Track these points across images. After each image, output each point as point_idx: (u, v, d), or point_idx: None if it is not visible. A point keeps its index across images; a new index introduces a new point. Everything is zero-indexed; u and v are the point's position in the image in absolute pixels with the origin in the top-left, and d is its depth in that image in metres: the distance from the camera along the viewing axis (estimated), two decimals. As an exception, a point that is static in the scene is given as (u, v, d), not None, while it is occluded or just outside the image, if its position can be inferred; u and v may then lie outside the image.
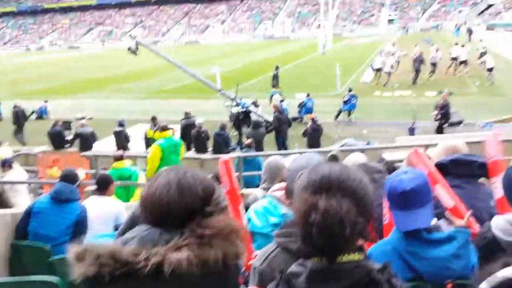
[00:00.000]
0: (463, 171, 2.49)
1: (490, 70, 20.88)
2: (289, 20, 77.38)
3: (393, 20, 68.94)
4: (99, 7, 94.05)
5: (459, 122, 14.56)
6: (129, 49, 15.92)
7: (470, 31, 46.16)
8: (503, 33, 50.92)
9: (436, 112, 13.80)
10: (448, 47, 34.28)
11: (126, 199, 7.14)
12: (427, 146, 7.64)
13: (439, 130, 13.49)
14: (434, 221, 1.96)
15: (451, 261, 1.80)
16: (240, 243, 1.26)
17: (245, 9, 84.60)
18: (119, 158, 7.49)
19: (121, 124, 12.96)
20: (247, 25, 79.30)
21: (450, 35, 48.45)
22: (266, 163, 3.45)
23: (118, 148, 12.37)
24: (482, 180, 2.76)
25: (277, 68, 20.67)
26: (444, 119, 13.69)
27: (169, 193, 1.27)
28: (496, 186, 2.27)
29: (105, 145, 13.98)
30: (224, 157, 2.27)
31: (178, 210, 1.25)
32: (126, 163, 7.60)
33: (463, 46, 23.92)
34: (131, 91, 26.35)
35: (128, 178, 7.35)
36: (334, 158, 1.45)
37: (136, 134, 15.47)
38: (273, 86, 19.69)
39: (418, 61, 21.96)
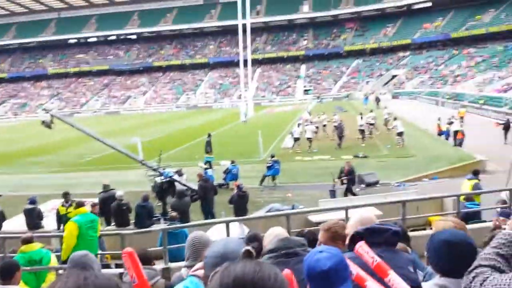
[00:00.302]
0: (379, 239, 2.55)
1: (400, 134, 22.57)
2: (211, 91, 79.54)
3: (308, 90, 73.53)
4: (13, 79, 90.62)
5: (376, 182, 15.39)
6: (43, 122, 15.17)
7: (378, 100, 50.73)
8: (406, 100, 56.25)
9: (342, 177, 14.85)
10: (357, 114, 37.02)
11: (37, 286, 6.45)
12: (347, 208, 7.95)
13: (348, 192, 14.58)
14: None
15: None
16: None
17: (167, 80, 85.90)
18: (28, 241, 6.80)
19: (32, 201, 11.98)
20: (169, 96, 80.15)
21: (359, 103, 52.59)
22: (189, 239, 3.34)
23: (30, 228, 11.39)
24: (400, 246, 2.87)
25: (209, 135, 20.79)
26: (351, 182, 14.80)
27: None
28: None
29: (15, 224, 12.83)
30: (127, 249, 2.13)
31: None
32: (36, 245, 6.93)
33: (371, 111, 25.86)
34: (44, 165, 24.89)
35: (39, 262, 6.65)
36: (248, 255, 1.40)
37: (50, 211, 14.47)
38: (206, 152, 19.67)
39: (340, 128, 23.39)
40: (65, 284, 1.18)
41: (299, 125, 24.20)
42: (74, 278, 1.20)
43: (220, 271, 1.29)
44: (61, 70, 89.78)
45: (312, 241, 3.62)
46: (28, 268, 6.33)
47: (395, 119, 25.37)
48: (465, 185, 10.68)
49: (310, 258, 1.89)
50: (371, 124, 26.05)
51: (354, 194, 14.32)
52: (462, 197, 9.32)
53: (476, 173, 11.01)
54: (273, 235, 2.98)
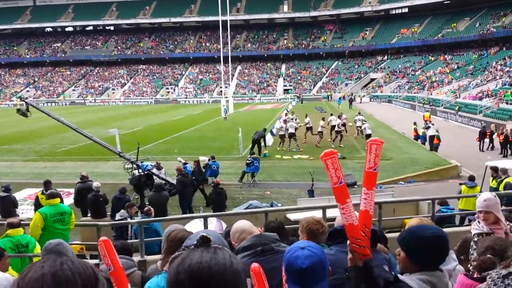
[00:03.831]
0: None
1: (368, 136, 22.93)
2: (191, 86, 79.06)
3: (288, 90, 73.92)
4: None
5: (353, 184, 15.58)
6: (18, 110, 14.85)
7: (351, 101, 52.08)
8: (383, 103, 57.17)
9: None
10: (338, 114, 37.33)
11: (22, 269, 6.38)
12: (325, 208, 8.04)
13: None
14: None
15: None
16: None
17: (146, 74, 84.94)
18: (15, 225, 6.73)
19: (6, 189, 11.73)
20: (148, 89, 79.28)
21: (334, 103, 53.45)
22: (165, 233, 3.29)
23: (3, 215, 11.13)
24: (379, 246, 2.94)
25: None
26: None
27: None
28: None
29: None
30: (103, 237, 2.12)
31: None
32: (22, 230, 6.86)
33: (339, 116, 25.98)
34: (19, 153, 24.32)
35: (25, 246, 6.61)
36: (206, 241, 1.27)
37: (25, 199, 14.18)
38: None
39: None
40: (41, 268, 1.17)
41: (285, 121, 24.17)
42: (50, 263, 1.19)
43: (177, 261, 1.29)
44: (37, 58, 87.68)
45: (281, 235, 3.57)
46: (13, 254, 6.30)
47: (365, 121, 25.89)
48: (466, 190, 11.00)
49: (290, 254, 1.91)
50: (343, 125, 26.33)
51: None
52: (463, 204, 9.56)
53: (472, 179, 11.39)
54: (239, 231, 2.90)
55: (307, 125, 26.29)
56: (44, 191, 10.87)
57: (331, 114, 27.02)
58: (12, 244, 6.32)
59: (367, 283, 2.20)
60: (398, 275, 2.42)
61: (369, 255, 2.31)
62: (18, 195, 13.41)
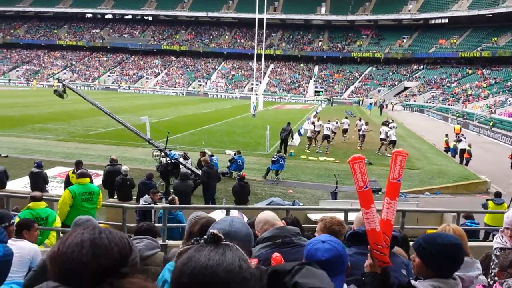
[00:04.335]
0: None
1: (393, 142, 22.96)
2: (223, 81, 79.61)
3: (319, 92, 73.49)
4: (27, 46, 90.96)
5: (378, 190, 15.44)
6: (55, 91, 15.35)
7: (381, 107, 51.37)
8: (415, 113, 56.17)
9: None
10: (366, 120, 37.03)
11: (40, 242, 6.66)
12: (347, 211, 8.03)
13: None
14: (345, 286, 2.02)
15: None
16: None
17: (180, 65, 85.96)
18: (37, 199, 7.01)
19: (39, 165, 12.15)
20: (181, 80, 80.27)
21: (364, 109, 52.87)
22: (190, 218, 3.36)
23: (34, 190, 11.55)
24: (395, 250, 2.98)
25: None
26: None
27: (81, 253, 1.22)
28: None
29: (18, 185, 13.05)
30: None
31: (90, 271, 1.20)
32: (43, 204, 7.13)
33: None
34: (52, 132, 25.09)
35: (45, 219, 6.88)
36: (216, 239, 1.18)
37: (55, 177, 14.67)
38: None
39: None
40: (81, 235, 1.26)
41: (313, 123, 24.28)
42: (90, 231, 1.28)
43: (182, 260, 1.25)
44: (75, 42, 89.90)
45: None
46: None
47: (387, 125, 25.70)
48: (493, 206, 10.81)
49: (311, 246, 1.96)
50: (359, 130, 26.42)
51: None
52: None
53: (499, 195, 11.18)
54: (263, 222, 2.97)
55: (344, 127, 26.85)
56: (75, 171, 11.21)
57: (360, 119, 27.04)
58: (31, 216, 6.52)
59: None
60: (412, 281, 2.45)
61: (389, 263, 2.35)
62: (49, 172, 13.86)
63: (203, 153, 15.46)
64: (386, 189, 2.49)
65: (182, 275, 1.20)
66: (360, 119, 27.17)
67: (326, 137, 23.23)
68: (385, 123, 26.09)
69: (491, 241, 8.07)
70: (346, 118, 28.75)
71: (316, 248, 1.89)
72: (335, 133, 25.86)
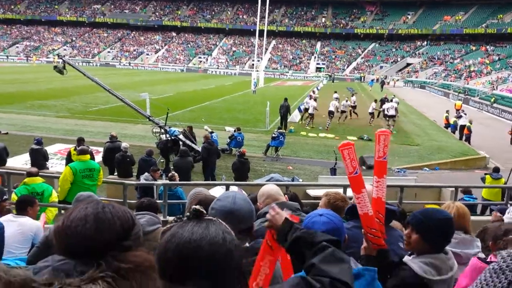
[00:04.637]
0: None
1: (390, 117, 23.09)
2: (223, 57, 78.95)
3: (321, 68, 72.93)
4: (27, 22, 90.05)
5: (377, 166, 15.51)
6: (55, 67, 15.23)
7: (382, 83, 51.12)
8: (416, 89, 55.87)
9: None
10: (367, 97, 36.94)
11: (37, 217, 6.75)
12: (345, 187, 8.07)
13: None
14: None
15: None
16: (157, 277, 1.22)
17: (181, 41, 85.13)
18: (33, 174, 7.07)
19: (39, 142, 12.19)
20: (181, 56, 79.64)
21: (366, 85, 52.59)
22: (191, 194, 3.39)
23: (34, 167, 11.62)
24: (393, 224, 3.01)
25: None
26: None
27: (85, 227, 1.26)
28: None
29: (19, 162, 13.12)
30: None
31: (94, 244, 1.24)
32: (39, 179, 7.20)
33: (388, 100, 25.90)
34: (52, 109, 25.07)
35: (41, 194, 6.95)
36: (199, 215, 1.33)
37: (54, 153, 14.72)
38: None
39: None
40: (85, 209, 1.31)
41: (314, 99, 24.25)
42: (94, 205, 1.32)
43: (166, 237, 1.26)
44: (76, 18, 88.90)
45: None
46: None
47: (391, 100, 25.70)
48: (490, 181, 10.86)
49: (308, 220, 2.00)
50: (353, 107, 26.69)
51: None
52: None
53: (497, 170, 11.21)
54: (265, 195, 3.00)
55: (352, 105, 26.75)
56: (77, 147, 11.28)
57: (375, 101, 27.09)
58: (27, 191, 6.62)
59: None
60: (406, 257, 2.47)
61: (384, 245, 2.37)
62: (49, 149, 13.91)
63: (190, 128, 15.52)
64: (374, 169, 2.51)
65: (166, 251, 1.21)
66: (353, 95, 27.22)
67: (330, 113, 23.24)
68: (383, 100, 26.27)
69: (489, 215, 8.15)
70: (352, 95, 28.62)
71: (313, 221, 1.92)
72: (344, 111, 25.47)
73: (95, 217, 1.28)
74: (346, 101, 26.20)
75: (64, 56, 19.97)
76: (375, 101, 26.73)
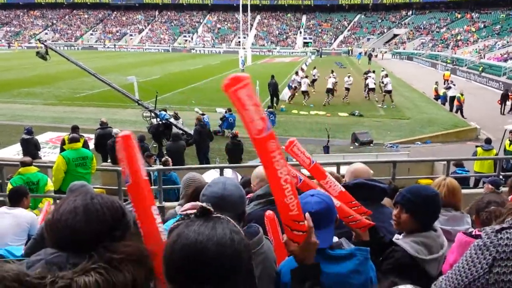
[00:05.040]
0: (365, 194, 2.69)
1: (388, 92, 22.75)
2: (209, 35, 77.88)
3: (308, 43, 72.39)
4: (5, 6, 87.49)
5: (370, 142, 15.60)
6: (37, 53, 14.91)
7: (370, 56, 51.06)
8: (405, 61, 55.85)
9: None
10: (356, 70, 36.80)
11: (34, 206, 6.73)
12: (339, 164, 8.09)
13: None
14: (335, 239, 2.05)
15: (350, 276, 1.87)
16: (150, 267, 1.22)
17: (164, 20, 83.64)
18: (27, 164, 7.01)
19: (29, 132, 12.00)
20: (166, 36, 78.37)
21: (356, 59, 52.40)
22: (184, 179, 3.36)
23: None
24: (384, 202, 3.02)
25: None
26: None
27: (75, 220, 1.28)
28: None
29: (10, 153, 12.95)
30: (124, 132, 1.51)
31: (84, 236, 1.26)
32: (34, 169, 7.14)
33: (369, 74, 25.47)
34: (39, 96, 24.64)
35: (36, 184, 6.90)
36: (205, 212, 1.26)
37: (46, 142, 14.54)
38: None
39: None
40: (74, 202, 1.32)
41: (307, 77, 24.07)
42: (82, 197, 1.34)
43: (172, 237, 1.23)
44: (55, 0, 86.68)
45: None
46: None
47: (386, 75, 25.16)
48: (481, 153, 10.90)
49: (301, 200, 2.00)
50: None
51: None
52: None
53: (489, 142, 11.27)
54: (259, 177, 2.99)
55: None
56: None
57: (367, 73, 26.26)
58: (22, 181, 6.59)
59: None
60: (396, 235, 2.50)
61: (370, 224, 2.36)
62: (40, 138, 13.71)
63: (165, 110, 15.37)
64: (313, 176, 2.44)
65: (173, 253, 1.19)
66: (349, 76, 26.33)
67: (329, 90, 23.05)
68: (367, 73, 25.99)
69: (481, 187, 8.26)
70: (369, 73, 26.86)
71: (305, 202, 1.92)
72: (348, 89, 24.01)
73: (84, 208, 1.30)
74: (349, 77, 24.53)
75: (45, 41, 19.54)
76: (373, 72, 25.90)
